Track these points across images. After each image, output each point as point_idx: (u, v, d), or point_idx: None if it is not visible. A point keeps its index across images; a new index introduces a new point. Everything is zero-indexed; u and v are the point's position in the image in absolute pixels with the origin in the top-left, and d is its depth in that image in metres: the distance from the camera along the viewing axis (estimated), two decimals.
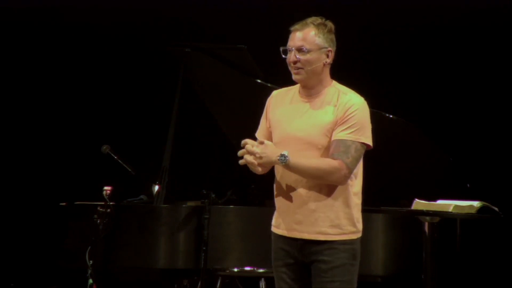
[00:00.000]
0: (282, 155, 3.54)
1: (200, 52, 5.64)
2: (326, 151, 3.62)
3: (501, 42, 6.71)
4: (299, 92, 3.75)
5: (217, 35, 6.68)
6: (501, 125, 6.74)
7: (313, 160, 3.60)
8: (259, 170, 3.62)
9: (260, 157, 3.56)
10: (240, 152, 3.60)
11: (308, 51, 3.64)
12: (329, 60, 3.68)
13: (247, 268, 5.21)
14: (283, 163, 3.55)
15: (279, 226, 3.74)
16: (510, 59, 6.69)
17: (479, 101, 6.77)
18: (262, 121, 3.84)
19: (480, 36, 6.73)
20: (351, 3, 6.74)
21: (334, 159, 3.58)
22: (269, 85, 5.33)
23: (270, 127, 3.78)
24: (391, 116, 5.27)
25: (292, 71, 3.69)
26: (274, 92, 3.85)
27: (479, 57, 6.74)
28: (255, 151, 3.56)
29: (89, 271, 5.08)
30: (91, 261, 5.09)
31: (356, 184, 3.69)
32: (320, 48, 3.65)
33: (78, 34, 7.14)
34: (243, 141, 3.61)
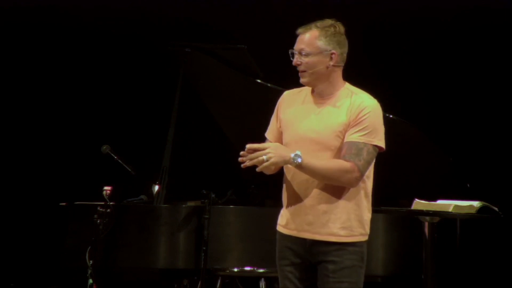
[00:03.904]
0: (296, 154, 3.51)
1: (200, 52, 5.64)
2: (339, 152, 3.60)
3: (500, 43, 6.71)
4: (311, 93, 3.72)
5: (217, 35, 6.67)
6: (501, 125, 6.73)
7: (325, 161, 3.57)
8: (272, 169, 3.60)
9: (269, 157, 3.48)
10: (241, 159, 3.53)
11: (308, 54, 3.62)
12: (332, 63, 3.64)
13: (247, 268, 5.21)
14: (297, 163, 3.52)
15: (287, 225, 3.70)
16: (510, 60, 6.68)
17: (479, 102, 6.76)
18: (272, 121, 3.80)
19: (479, 37, 6.73)
20: (352, 4, 6.73)
21: (346, 161, 3.56)
22: (269, 85, 5.32)
23: (280, 127, 3.75)
24: (391, 116, 5.27)
25: (299, 74, 3.68)
26: (286, 92, 3.83)
27: (480, 57, 6.74)
28: (261, 147, 3.50)
29: (89, 271, 5.08)
30: (91, 261, 5.09)
31: (368, 186, 3.68)
32: (321, 51, 3.62)
33: (78, 33, 7.14)
34: (248, 146, 3.53)
